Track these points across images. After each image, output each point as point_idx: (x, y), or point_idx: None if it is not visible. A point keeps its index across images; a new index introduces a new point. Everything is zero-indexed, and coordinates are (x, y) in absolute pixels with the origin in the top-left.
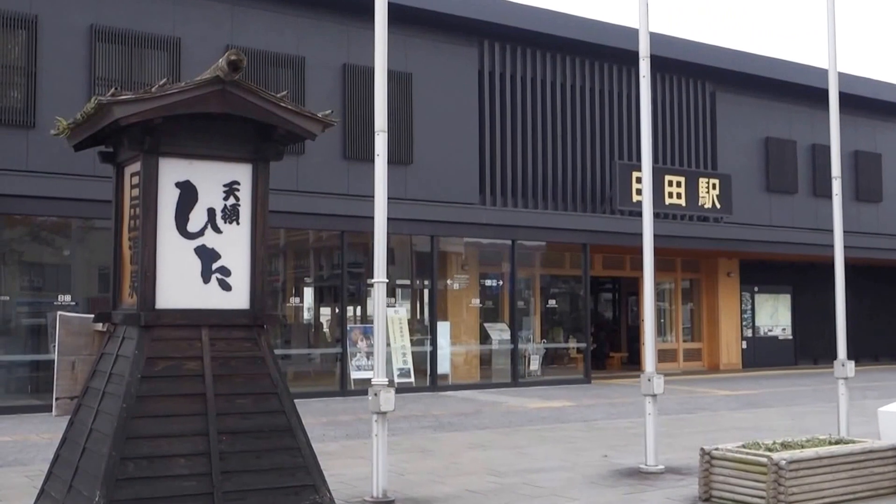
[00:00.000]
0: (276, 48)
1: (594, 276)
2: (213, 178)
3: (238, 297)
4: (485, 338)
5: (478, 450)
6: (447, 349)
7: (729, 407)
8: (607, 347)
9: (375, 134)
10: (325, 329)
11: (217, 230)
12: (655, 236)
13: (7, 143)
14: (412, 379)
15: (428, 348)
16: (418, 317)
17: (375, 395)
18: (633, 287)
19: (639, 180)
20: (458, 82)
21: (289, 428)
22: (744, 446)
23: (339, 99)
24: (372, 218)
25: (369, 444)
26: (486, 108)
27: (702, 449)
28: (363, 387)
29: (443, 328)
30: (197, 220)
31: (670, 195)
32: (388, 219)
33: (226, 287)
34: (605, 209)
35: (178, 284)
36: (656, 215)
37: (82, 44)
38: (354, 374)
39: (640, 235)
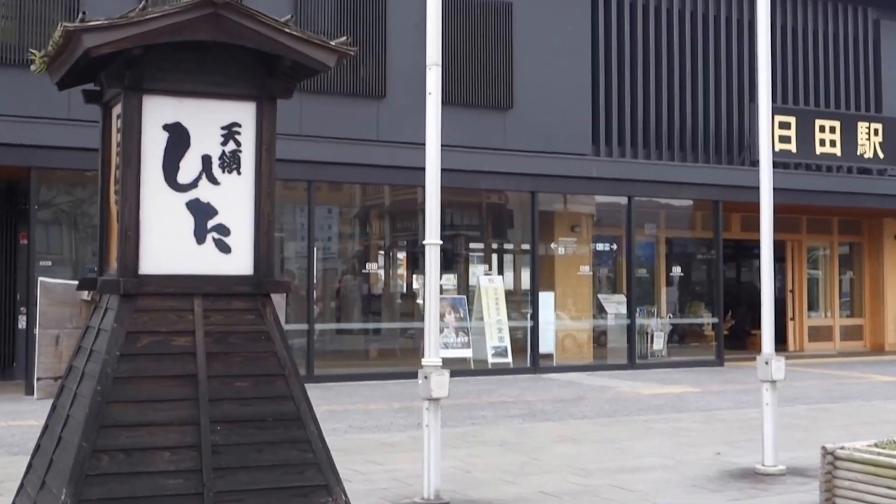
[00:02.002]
0: None
1: (730, 238)
2: (208, 120)
3: (239, 261)
4: (598, 312)
5: (567, 443)
6: (551, 324)
7: (886, 396)
8: (748, 324)
9: (427, 68)
10: (418, 300)
11: (214, 181)
12: (802, 192)
13: None
14: (509, 359)
15: (528, 323)
16: (522, 287)
17: (426, 378)
18: (782, 252)
19: (782, 125)
20: (566, 12)
21: (297, 417)
22: (876, 445)
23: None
24: (467, 172)
25: (444, 436)
26: (600, 42)
27: (823, 448)
28: (451, 367)
29: (545, 300)
30: (189, 169)
31: (822, 143)
32: (482, 172)
33: (224, 249)
34: (741, 160)
35: (167, 246)
36: (806, 167)
37: None
38: (442, 353)
39: (784, 191)
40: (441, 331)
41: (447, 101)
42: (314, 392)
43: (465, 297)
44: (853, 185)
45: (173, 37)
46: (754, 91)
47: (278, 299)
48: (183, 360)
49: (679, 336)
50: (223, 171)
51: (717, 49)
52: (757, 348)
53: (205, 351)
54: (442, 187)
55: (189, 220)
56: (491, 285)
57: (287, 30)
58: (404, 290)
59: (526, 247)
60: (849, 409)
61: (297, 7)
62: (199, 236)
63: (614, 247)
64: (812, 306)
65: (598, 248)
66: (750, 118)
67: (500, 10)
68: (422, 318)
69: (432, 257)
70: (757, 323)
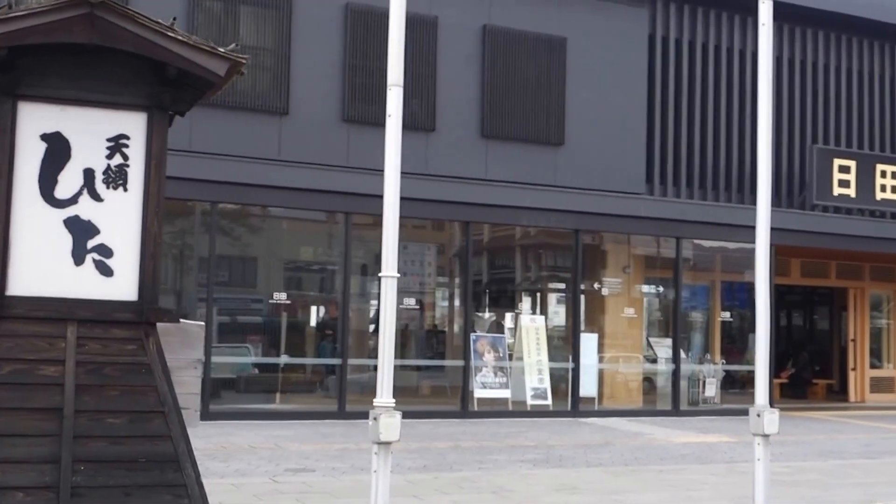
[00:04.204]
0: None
1: (793, 284)
2: (93, 131)
3: (122, 286)
4: (648, 355)
5: (564, 493)
6: (594, 367)
7: None
8: (809, 373)
9: (388, 89)
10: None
11: (96, 197)
12: (861, 238)
13: None
14: (549, 401)
15: (569, 365)
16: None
17: (375, 419)
18: (843, 300)
19: (841, 169)
20: (623, 49)
21: (174, 459)
22: None
23: (477, 66)
24: (508, 207)
25: (441, 481)
26: (656, 79)
27: None
28: (488, 407)
29: (588, 342)
30: (69, 183)
31: (883, 188)
32: (524, 208)
33: (105, 271)
34: (797, 203)
35: (39, 265)
36: (863, 212)
37: None
38: (479, 393)
39: (842, 236)
40: (479, 370)
41: (494, 135)
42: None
43: (504, 336)
44: None
45: (45, 38)
46: (816, 133)
47: (197, 330)
48: (49, 392)
49: (737, 383)
50: (108, 187)
51: (777, 90)
52: (819, 398)
53: (74, 383)
54: (478, 223)
55: (66, 239)
56: (532, 325)
57: (171, 34)
58: (437, 326)
59: (568, 286)
60: (882, 466)
61: (190, 13)
62: (77, 257)
63: (666, 289)
64: (875, 356)
65: (648, 290)
66: (809, 161)
67: (553, 44)
68: (447, 357)
69: (388, 290)
70: (822, 372)
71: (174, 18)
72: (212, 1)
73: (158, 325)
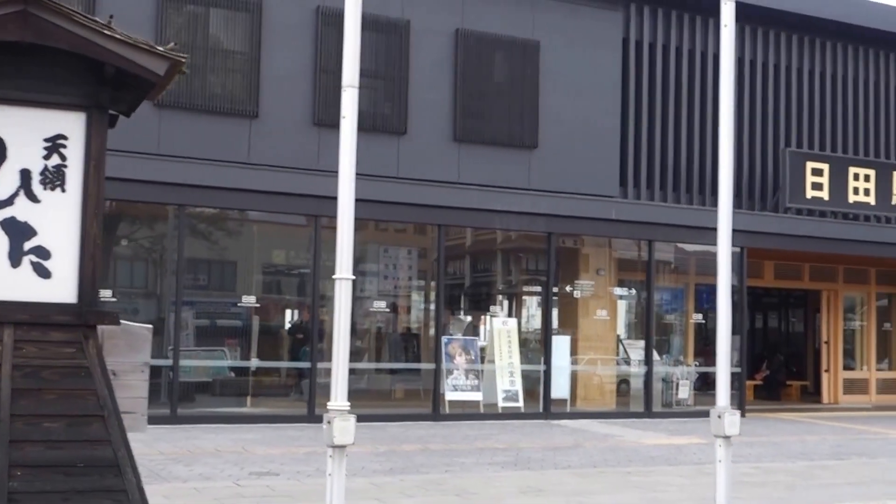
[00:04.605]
0: (376, 9)
1: (765, 286)
2: (29, 130)
3: (60, 288)
4: (622, 357)
5: (529, 496)
6: (566, 369)
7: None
8: (783, 374)
9: (342, 90)
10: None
11: (33, 198)
12: (834, 240)
13: None
14: (520, 403)
15: (541, 367)
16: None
17: (329, 423)
18: (817, 303)
19: (815, 172)
20: (596, 52)
21: (114, 463)
22: None
23: (450, 70)
24: (482, 211)
25: (406, 483)
26: (630, 83)
27: None
28: (459, 410)
29: (560, 344)
30: (5, 184)
31: (856, 191)
32: (497, 211)
33: (43, 273)
34: (771, 206)
35: None
36: (836, 214)
37: None
38: (450, 396)
39: (815, 239)
40: (451, 373)
41: (467, 138)
42: None
43: (476, 338)
44: (889, 235)
45: None
46: (789, 136)
47: (144, 332)
48: None
49: (710, 385)
50: (45, 188)
51: (751, 94)
52: (792, 399)
53: (10, 386)
54: (451, 226)
55: (3, 241)
56: (504, 328)
57: (108, 32)
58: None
59: (539, 288)
60: (850, 466)
61: (159, 16)
62: (14, 259)
63: (639, 291)
64: (848, 358)
65: (622, 292)
66: (782, 163)
67: (527, 48)
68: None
69: (342, 293)
70: (793, 374)
71: (111, 17)
72: (182, 4)
73: (104, 328)
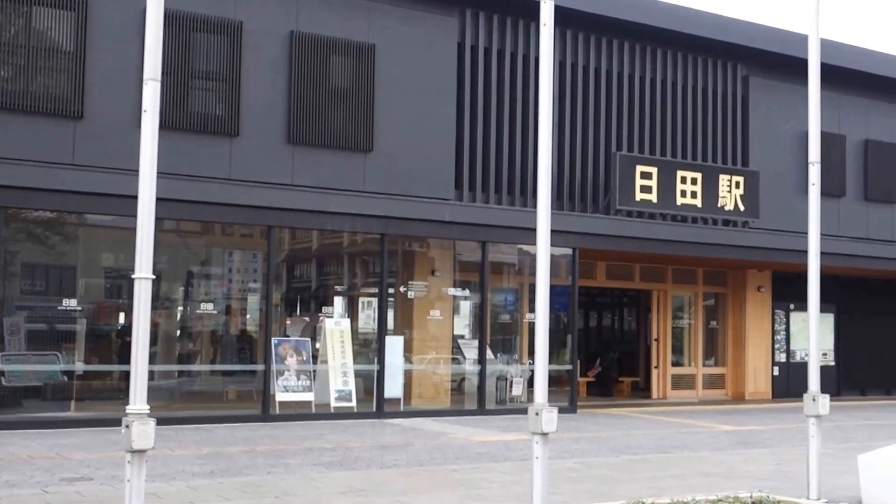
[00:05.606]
0: (208, 10)
1: (598, 286)
2: None
3: None
4: (457, 357)
5: (351, 496)
6: (399, 368)
7: (717, 446)
8: (615, 371)
9: (144, 83)
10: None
11: None
12: (663, 241)
13: None
14: (353, 403)
15: (375, 367)
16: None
17: (127, 427)
18: (648, 302)
19: (644, 175)
20: (432, 56)
21: None
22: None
23: (284, 72)
24: (315, 212)
25: (225, 486)
26: (466, 87)
27: None
28: (290, 410)
29: (394, 344)
30: None
31: (683, 194)
32: (330, 213)
33: None
34: (602, 208)
35: None
36: (664, 216)
37: None
38: (280, 397)
39: (644, 240)
40: (282, 374)
41: (306, 142)
42: None
43: (308, 339)
44: (715, 237)
45: None
46: (620, 140)
47: None
48: None
49: (550, 382)
50: None
51: (584, 99)
52: (624, 395)
53: None
54: (283, 228)
55: None
56: (337, 328)
57: None
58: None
59: (376, 290)
60: (672, 459)
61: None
62: None
63: (473, 292)
64: (676, 354)
65: (455, 293)
66: (613, 167)
67: (362, 51)
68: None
69: (142, 293)
70: (625, 371)
71: None
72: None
73: None
